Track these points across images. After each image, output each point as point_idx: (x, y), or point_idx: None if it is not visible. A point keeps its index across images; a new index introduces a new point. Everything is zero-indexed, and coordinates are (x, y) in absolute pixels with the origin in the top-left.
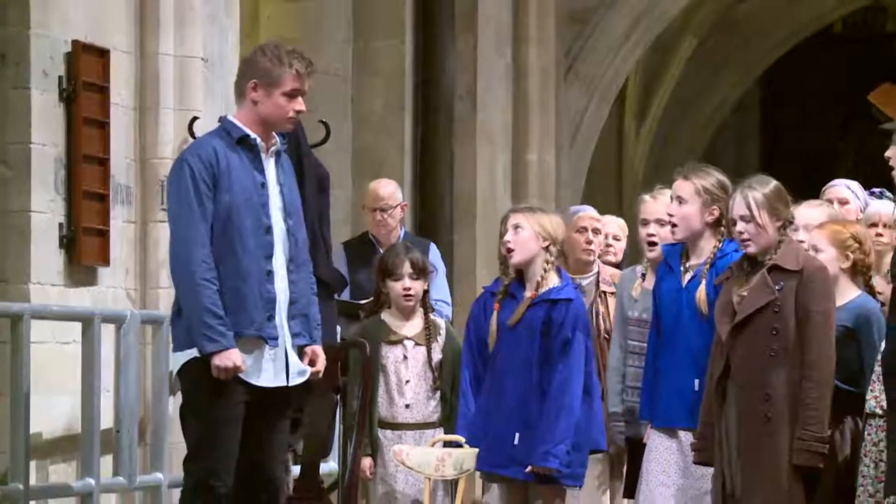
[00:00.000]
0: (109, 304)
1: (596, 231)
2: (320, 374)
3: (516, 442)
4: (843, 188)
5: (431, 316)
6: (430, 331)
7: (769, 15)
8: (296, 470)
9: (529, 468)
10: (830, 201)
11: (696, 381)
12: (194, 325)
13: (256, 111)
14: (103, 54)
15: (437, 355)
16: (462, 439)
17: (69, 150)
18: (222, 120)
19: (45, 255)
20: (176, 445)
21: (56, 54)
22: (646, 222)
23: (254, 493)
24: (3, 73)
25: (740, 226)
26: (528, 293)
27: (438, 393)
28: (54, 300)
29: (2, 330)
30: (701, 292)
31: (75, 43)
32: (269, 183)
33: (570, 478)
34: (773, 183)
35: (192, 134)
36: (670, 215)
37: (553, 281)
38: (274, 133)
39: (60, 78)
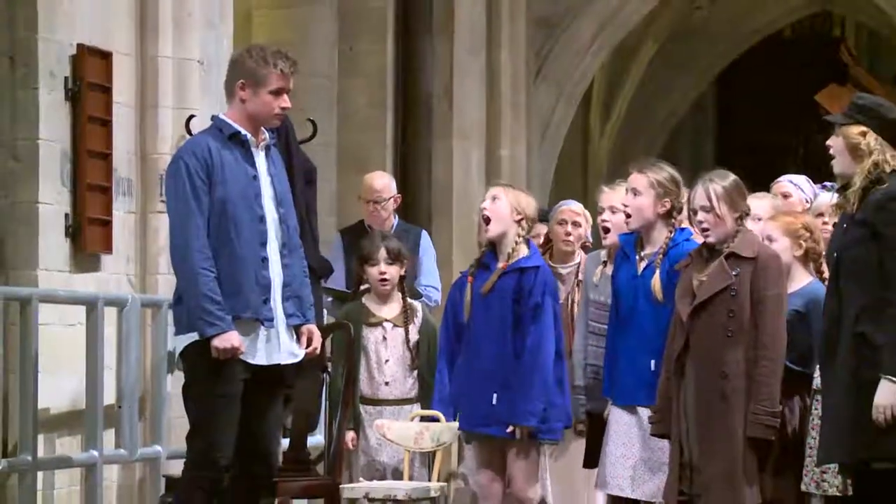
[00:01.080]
0: (112, 289)
1: (576, 224)
2: (317, 352)
3: (494, 402)
4: (786, 183)
5: (409, 300)
6: (407, 314)
7: (724, 22)
8: (285, 442)
9: (511, 428)
10: (776, 195)
11: (652, 362)
12: (194, 311)
13: (245, 109)
14: (106, 57)
15: (414, 336)
16: (440, 414)
17: (74, 145)
18: (214, 118)
19: (52, 244)
20: (174, 420)
21: (62, 57)
22: (601, 210)
23: (251, 464)
24: (12, 75)
25: (701, 215)
26: (500, 263)
27: (416, 371)
28: (60, 285)
29: (12, 313)
30: (655, 279)
31: (80, 46)
32: (261, 175)
33: (549, 433)
34: (732, 177)
35: (188, 131)
36: (625, 206)
37: (523, 252)
38: (263, 128)
39: (66, 79)
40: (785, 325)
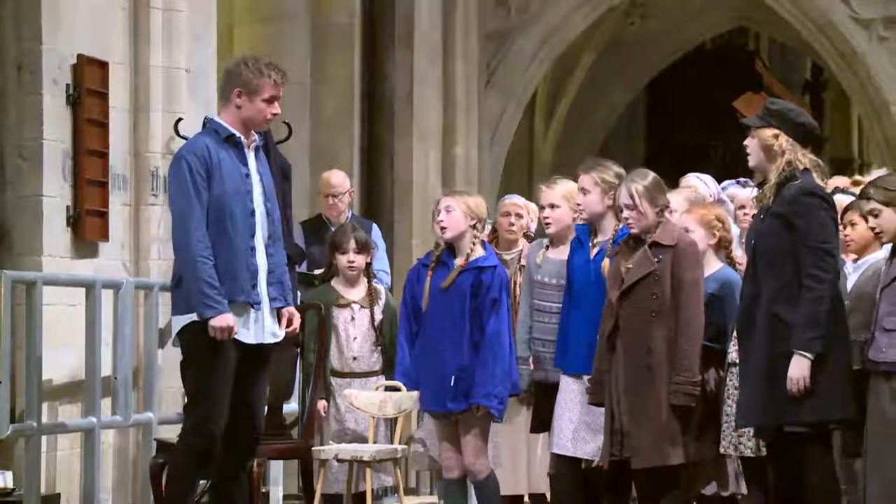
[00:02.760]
0: (108, 273)
1: (518, 216)
2: (297, 331)
3: (453, 383)
4: (693, 178)
5: (374, 283)
6: (372, 296)
7: (653, 36)
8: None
9: (474, 407)
10: (688, 186)
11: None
12: (194, 295)
13: (240, 114)
14: (103, 66)
15: (378, 316)
16: (401, 385)
17: (75, 145)
18: (210, 121)
19: (55, 233)
20: (164, 390)
21: (63, 65)
22: (542, 207)
23: (239, 431)
24: (19, 81)
25: (626, 212)
26: (459, 261)
27: (379, 347)
28: (62, 270)
29: (18, 294)
30: (605, 263)
31: (80, 56)
32: (252, 173)
33: (500, 412)
34: (651, 175)
35: (177, 132)
36: (578, 203)
37: (479, 252)
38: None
39: (67, 85)
40: (702, 305)
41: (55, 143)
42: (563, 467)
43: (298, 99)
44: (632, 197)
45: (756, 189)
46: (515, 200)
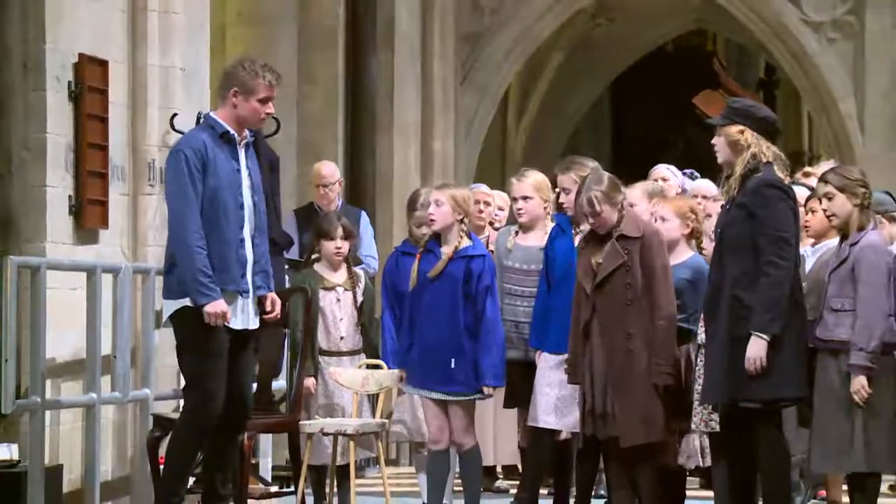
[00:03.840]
0: (108, 259)
1: (486, 203)
2: (278, 316)
3: (453, 366)
4: (664, 169)
5: (354, 268)
6: (353, 279)
7: (618, 37)
8: (253, 386)
9: (484, 387)
10: (655, 179)
11: None
12: (189, 283)
13: (236, 113)
14: (103, 64)
15: (359, 298)
16: (382, 363)
17: (77, 138)
18: (206, 117)
19: (58, 220)
20: (160, 368)
21: (66, 64)
22: (514, 199)
23: (231, 408)
24: (25, 79)
25: (590, 220)
26: (448, 251)
27: (360, 327)
28: (65, 255)
29: (24, 279)
30: None
31: (81, 55)
32: (242, 169)
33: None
34: (606, 178)
35: (172, 127)
36: (562, 203)
37: (466, 242)
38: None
39: (70, 82)
40: (673, 288)
41: (58, 137)
42: (544, 438)
43: (286, 96)
44: (592, 205)
45: (724, 182)
46: (483, 189)
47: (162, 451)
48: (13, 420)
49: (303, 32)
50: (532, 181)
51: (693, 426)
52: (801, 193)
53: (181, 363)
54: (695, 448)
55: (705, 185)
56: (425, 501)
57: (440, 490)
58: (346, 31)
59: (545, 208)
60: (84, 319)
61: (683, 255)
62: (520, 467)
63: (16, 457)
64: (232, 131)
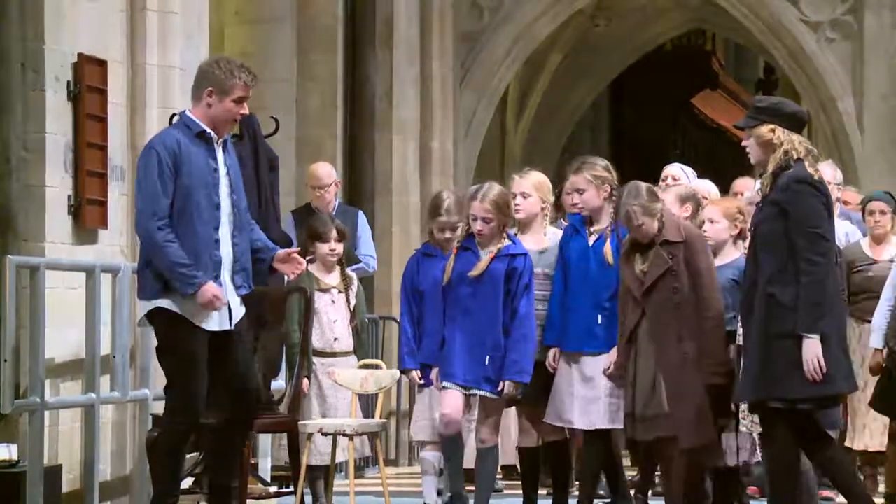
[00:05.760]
0: (107, 258)
1: None
2: (303, 267)
3: (487, 363)
4: (677, 168)
5: (346, 270)
6: (346, 281)
7: (617, 37)
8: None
9: (507, 384)
10: (665, 178)
11: (600, 317)
12: (170, 277)
13: (209, 112)
14: (102, 64)
15: (352, 300)
16: (381, 362)
17: (76, 138)
18: (181, 115)
19: (57, 220)
20: (159, 368)
21: (65, 64)
22: (514, 195)
23: (232, 405)
24: (24, 79)
25: (633, 231)
26: (492, 249)
27: (352, 328)
28: (64, 255)
29: (23, 278)
30: (608, 248)
31: (80, 55)
32: (220, 168)
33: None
34: (643, 189)
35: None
36: (575, 203)
37: (506, 241)
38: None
39: (69, 82)
40: (718, 288)
41: (57, 137)
42: (568, 436)
43: (286, 96)
44: (632, 219)
45: (757, 181)
46: None
47: None
48: (12, 420)
49: (302, 32)
50: (533, 180)
51: (743, 428)
52: None
53: (161, 364)
54: (731, 447)
55: (705, 186)
56: (427, 502)
57: (461, 473)
58: (345, 30)
59: (543, 208)
60: (83, 319)
61: (731, 255)
62: (518, 467)
63: (15, 457)
64: (209, 130)
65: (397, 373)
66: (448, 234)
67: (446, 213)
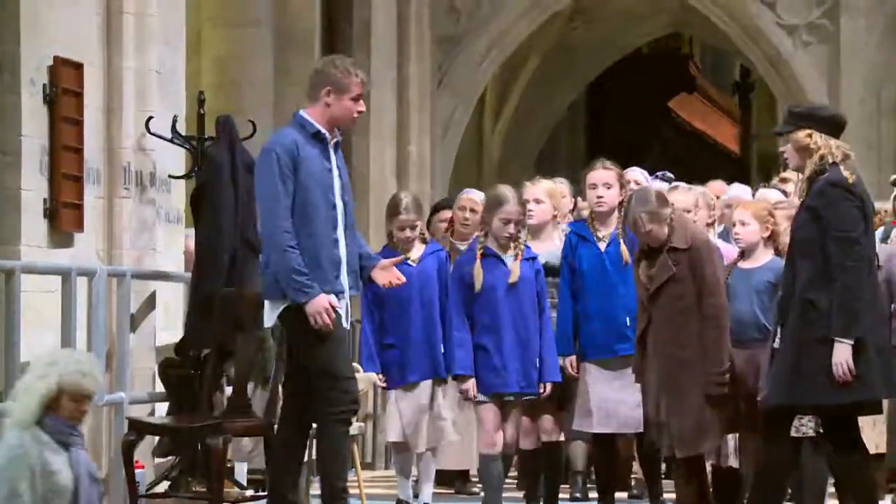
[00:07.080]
0: (83, 262)
1: (473, 210)
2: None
3: (537, 366)
4: (637, 173)
5: None
6: None
7: (595, 40)
8: (228, 390)
9: (548, 384)
10: (628, 181)
11: (627, 318)
12: (285, 284)
13: (329, 112)
14: (78, 67)
15: None
16: (359, 367)
17: (52, 141)
18: (297, 116)
19: (33, 223)
20: (134, 371)
21: (41, 67)
22: (527, 201)
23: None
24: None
25: (641, 238)
26: (516, 254)
27: None
28: (40, 258)
29: None
30: (624, 248)
31: (56, 58)
32: (333, 168)
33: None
34: (652, 196)
35: (148, 129)
36: (600, 196)
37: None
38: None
39: (45, 85)
40: (725, 298)
41: (33, 140)
42: (593, 442)
43: (263, 99)
44: (640, 227)
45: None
46: (473, 196)
47: (137, 455)
48: None
49: (279, 35)
50: (546, 187)
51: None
52: (775, 197)
53: (311, 358)
54: (731, 447)
55: (740, 191)
56: (401, 498)
57: (500, 493)
58: (323, 34)
59: (554, 216)
60: (59, 322)
61: (764, 258)
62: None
63: None
64: (324, 131)
65: (373, 376)
66: (408, 233)
67: (405, 211)
